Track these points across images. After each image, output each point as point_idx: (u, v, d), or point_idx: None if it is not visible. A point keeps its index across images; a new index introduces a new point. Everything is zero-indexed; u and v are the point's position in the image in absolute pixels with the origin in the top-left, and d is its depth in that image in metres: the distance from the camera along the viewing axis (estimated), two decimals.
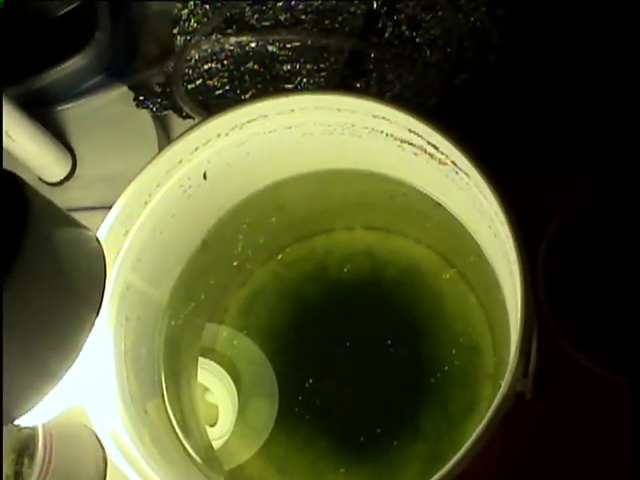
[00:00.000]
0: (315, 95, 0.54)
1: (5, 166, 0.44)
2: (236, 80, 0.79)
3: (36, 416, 0.45)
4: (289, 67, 0.78)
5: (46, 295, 0.41)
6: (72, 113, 0.84)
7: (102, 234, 0.55)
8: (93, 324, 0.43)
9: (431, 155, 0.53)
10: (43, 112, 0.82)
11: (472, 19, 0.72)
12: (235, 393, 0.67)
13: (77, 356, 0.43)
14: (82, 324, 0.43)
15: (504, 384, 0.44)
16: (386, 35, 0.76)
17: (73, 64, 0.81)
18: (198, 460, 0.61)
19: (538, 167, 0.64)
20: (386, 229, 0.67)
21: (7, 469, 0.73)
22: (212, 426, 0.67)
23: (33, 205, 0.42)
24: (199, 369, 0.68)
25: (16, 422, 0.44)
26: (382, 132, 0.55)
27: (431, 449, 0.60)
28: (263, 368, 0.67)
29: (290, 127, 0.57)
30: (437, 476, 0.43)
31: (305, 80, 0.77)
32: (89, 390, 0.52)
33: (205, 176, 0.59)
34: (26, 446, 0.73)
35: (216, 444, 0.65)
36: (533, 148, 0.66)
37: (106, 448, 0.51)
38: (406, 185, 0.59)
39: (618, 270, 0.60)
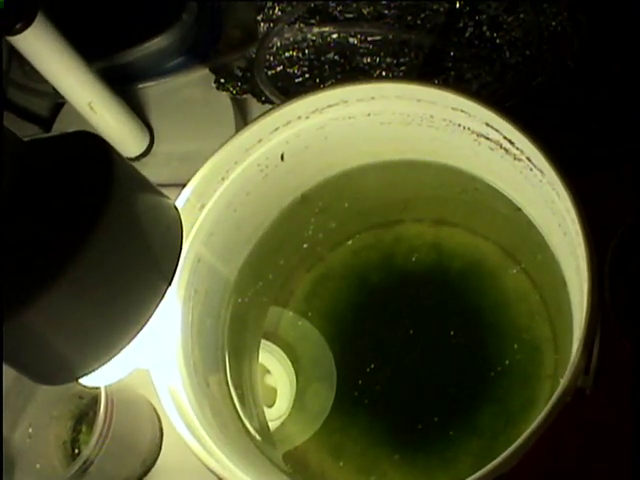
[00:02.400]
0: (396, 84, 0.55)
1: None
2: (316, 69, 0.80)
3: (100, 378, 0.46)
4: (369, 60, 0.79)
5: (123, 257, 0.42)
6: (153, 91, 0.85)
7: (179, 205, 0.56)
8: (165, 292, 0.44)
9: (506, 150, 0.53)
10: (125, 88, 0.83)
11: (553, 23, 0.73)
12: (294, 376, 0.68)
13: (146, 321, 0.44)
14: (155, 291, 0.44)
15: (565, 378, 0.45)
16: (467, 34, 0.77)
17: (157, 43, 0.82)
18: (257, 437, 0.62)
19: (609, 172, 0.65)
20: (455, 223, 0.67)
21: (65, 435, 0.75)
22: (269, 407, 0.67)
23: (117, 167, 0.43)
24: (261, 350, 0.69)
25: (81, 381, 0.46)
26: (459, 125, 0.56)
27: (486, 444, 0.60)
28: (323, 353, 0.68)
29: (369, 114, 0.58)
30: (489, 466, 0.43)
31: (384, 73, 0.78)
32: (154, 356, 0.53)
33: (283, 157, 0.60)
34: (85, 413, 0.75)
35: (272, 425, 0.66)
36: (605, 153, 0.66)
37: (167, 413, 0.52)
38: (479, 180, 0.60)
39: None
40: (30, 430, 0.71)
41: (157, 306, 0.44)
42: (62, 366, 0.43)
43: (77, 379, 0.44)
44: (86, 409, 0.76)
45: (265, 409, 0.67)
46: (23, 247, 0.40)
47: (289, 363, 0.69)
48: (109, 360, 0.43)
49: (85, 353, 0.43)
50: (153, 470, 0.73)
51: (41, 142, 0.44)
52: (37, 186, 0.41)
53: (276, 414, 0.67)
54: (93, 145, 0.44)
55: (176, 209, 0.48)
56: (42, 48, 0.68)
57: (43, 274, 0.39)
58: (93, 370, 0.44)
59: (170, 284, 0.45)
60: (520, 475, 0.46)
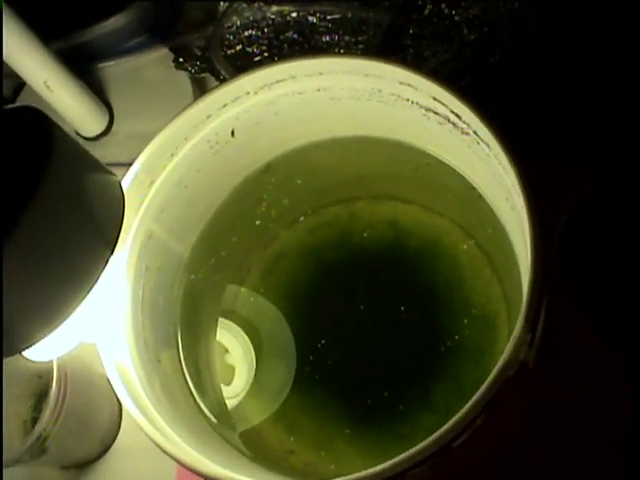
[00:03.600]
0: (343, 59, 0.55)
1: None
2: (275, 48, 0.80)
3: (45, 351, 0.46)
4: (328, 39, 0.79)
5: (64, 226, 0.42)
6: (112, 71, 0.85)
7: (127, 181, 0.56)
8: (107, 261, 0.44)
9: (454, 124, 0.53)
10: (85, 68, 0.83)
11: (511, 1, 0.73)
12: (253, 354, 0.68)
13: (89, 290, 0.44)
14: (96, 259, 0.44)
15: (507, 350, 0.45)
16: (425, 12, 0.77)
17: (116, 22, 0.82)
18: (210, 415, 0.62)
19: (564, 154, 0.65)
20: (410, 200, 0.67)
21: (25, 414, 0.75)
22: (227, 385, 0.67)
23: (58, 141, 0.43)
24: (219, 328, 0.68)
25: (25, 354, 0.46)
26: (408, 100, 0.56)
27: (440, 420, 0.60)
28: (282, 330, 0.68)
29: (319, 89, 0.58)
30: (429, 440, 0.43)
31: (343, 52, 0.77)
32: (102, 330, 0.53)
33: (233, 133, 0.60)
34: (45, 392, 0.74)
35: (230, 403, 0.66)
36: (556, 135, 0.67)
37: (113, 386, 0.52)
38: (430, 155, 0.60)
39: (632, 253, 0.60)
40: None
41: (99, 275, 0.44)
42: (6, 337, 0.43)
43: (21, 351, 0.44)
44: (46, 388, 0.76)
45: (223, 387, 0.67)
46: None
47: (247, 341, 0.69)
48: (52, 331, 0.43)
49: (28, 324, 0.43)
50: (112, 449, 0.73)
51: None
52: None
53: (233, 392, 0.67)
54: (35, 120, 0.44)
55: (119, 185, 0.48)
56: None
57: None
58: (36, 342, 0.44)
59: (112, 253, 0.45)
60: (472, 451, 0.46)
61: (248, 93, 0.57)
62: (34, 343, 0.44)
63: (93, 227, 0.44)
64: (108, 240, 0.45)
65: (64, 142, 0.44)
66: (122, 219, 0.46)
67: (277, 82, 0.57)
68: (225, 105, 0.58)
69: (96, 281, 0.44)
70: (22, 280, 0.41)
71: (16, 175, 0.41)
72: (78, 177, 0.44)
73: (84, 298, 0.44)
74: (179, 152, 0.58)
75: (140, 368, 0.55)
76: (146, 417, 0.52)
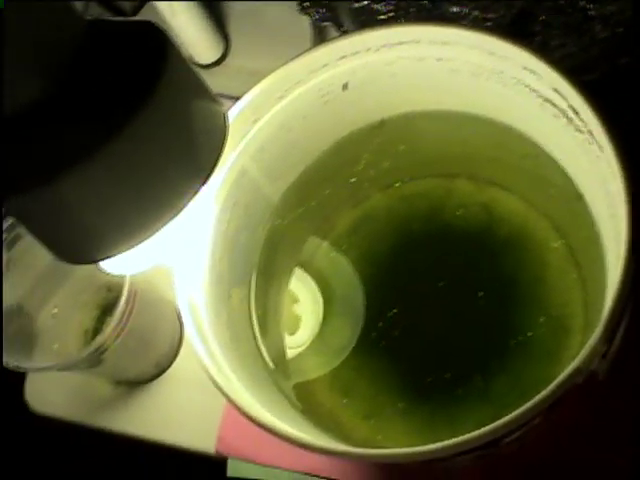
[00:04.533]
0: (470, 32, 0.54)
1: None
2: (402, 10, 0.78)
3: (122, 265, 0.46)
4: (457, 9, 0.77)
5: (163, 145, 0.42)
6: (237, 5, 0.85)
7: (232, 114, 0.56)
8: (198, 189, 0.44)
9: (570, 120, 0.52)
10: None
11: None
12: (321, 309, 0.68)
13: (176, 214, 0.44)
14: (189, 185, 0.44)
15: (580, 357, 0.44)
16: (560, 1, 0.75)
17: None
18: (268, 361, 0.62)
19: None
20: (509, 187, 0.66)
21: (88, 323, 0.76)
22: (291, 335, 0.67)
23: (172, 60, 0.43)
24: (293, 277, 0.68)
25: (102, 265, 0.46)
26: (528, 86, 0.54)
27: (493, 412, 0.60)
28: (355, 292, 0.67)
29: (440, 59, 0.57)
30: (483, 430, 0.43)
31: (470, 26, 0.76)
32: (181, 256, 0.53)
33: (346, 86, 0.59)
34: (112, 306, 0.75)
35: (290, 353, 0.66)
36: None
37: (182, 312, 0.52)
38: (539, 147, 0.59)
39: None
40: (55, 311, 0.72)
41: (189, 200, 0.44)
42: (87, 244, 0.44)
43: (100, 260, 0.45)
44: (113, 302, 0.77)
45: (286, 336, 0.67)
46: (68, 120, 0.40)
47: (319, 294, 0.69)
48: (135, 245, 0.44)
49: (113, 233, 0.43)
50: (166, 374, 0.74)
51: (103, 23, 0.44)
52: (91, 63, 0.41)
53: (296, 342, 0.67)
54: (154, 35, 0.44)
55: (225, 117, 0.48)
56: None
57: (83, 147, 0.39)
58: (115, 254, 0.44)
59: (205, 182, 0.45)
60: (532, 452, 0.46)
61: (369, 49, 0.57)
62: (113, 255, 0.44)
63: (192, 152, 0.44)
64: (204, 169, 0.45)
65: (179, 61, 0.44)
66: (222, 151, 0.46)
67: (399, 44, 0.56)
68: (344, 57, 0.57)
69: (184, 206, 0.44)
70: (113, 188, 0.41)
71: (129, 81, 0.41)
72: (187, 98, 0.44)
73: (170, 220, 0.44)
74: (289, 95, 0.58)
75: (210, 300, 0.56)
76: (206, 347, 0.52)
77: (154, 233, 0.44)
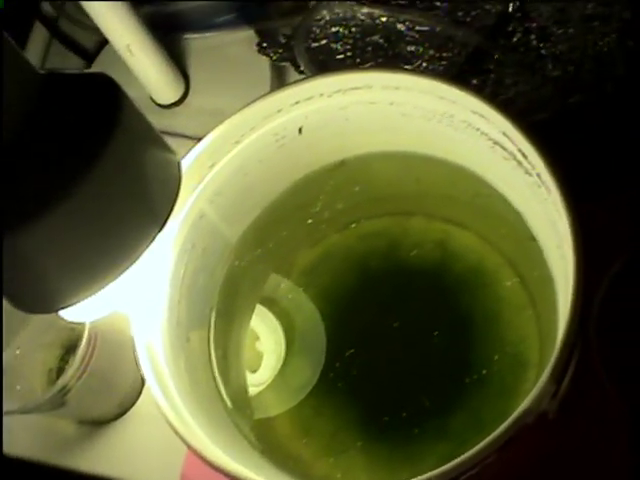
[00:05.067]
0: (421, 78, 0.55)
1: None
2: (359, 49, 0.80)
3: (80, 313, 0.47)
4: (412, 49, 0.79)
5: (119, 195, 0.43)
6: (195, 44, 0.86)
7: (189, 160, 0.56)
8: (154, 237, 0.45)
9: (519, 163, 0.53)
10: (169, 37, 0.84)
11: (600, 43, 0.72)
12: (283, 347, 0.68)
13: (133, 262, 0.44)
14: (144, 234, 0.45)
15: (529, 398, 0.45)
16: (514, 40, 0.76)
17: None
18: (227, 402, 0.62)
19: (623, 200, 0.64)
20: (464, 225, 0.67)
21: (51, 362, 0.76)
22: (252, 373, 0.68)
23: (126, 111, 0.44)
24: (254, 315, 0.69)
25: (61, 314, 0.46)
26: (478, 130, 0.55)
27: (452, 448, 0.60)
28: (316, 331, 0.68)
29: (392, 103, 0.58)
30: (439, 470, 0.44)
31: (425, 65, 0.78)
32: (138, 301, 0.53)
33: (300, 131, 0.60)
34: (75, 345, 0.75)
35: (250, 391, 0.66)
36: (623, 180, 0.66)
37: (138, 359, 0.53)
38: (491, 187, 0.60)
39: None
40: (17, 352, 0.73)
41: (145, 248, 0.45)
42: (44, 295, 0.44)
43: (57, 310, 0.45)
44: (76, 341, 0.77)
45: (247, 374, 0.67)
46: (24, 173, 0.41)
47: (281, 332, 0.69)
48: (92, 294, 0.44)
49: (70, 283, 0.44)
50: (129, 413, 0.75)
51: (57, 77, 0.44)
52: (45, 116, 0.42)
53: (257, 381, 0.67)
54: (107, 87, 0.45)
55: (178, 165, 0.49)
56: None
57: (40, 199, 0.40)
58: (74, 303, 0.44)
59: (160, 230, 0.45)
60: None
61: (322, 95, 0.58)
62: (71, 304, 0.44)
63: (146, 202, 0.45)
64: (159, 217, 0.46)
65: (133, 112, 0.45)
66: (177, 197, 0.47)
67: (352, 89, 0.57)
68: (297, 102, 0.58)
69: (142, 253, 0.45)
70: (70, 239, 0.42)
71: (81, 137, 0.42)
72: (141, 148, 0.45)
73: (127, 268, 0.44)
74: (244, 140, 0.59)
75: (168, 344, 0.56)
76: (164, 392, 0.52)
77: (112, 281, 0.44)
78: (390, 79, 0.56)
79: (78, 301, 0.44)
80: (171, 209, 0.46)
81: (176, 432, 0.50)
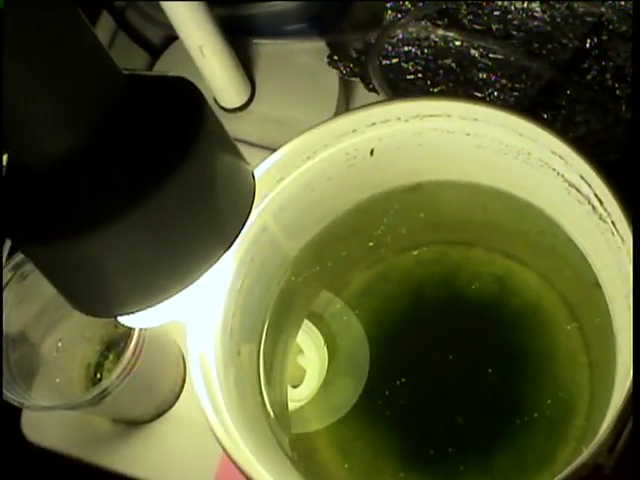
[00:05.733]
0: (502, 112, 0.54)
1: None
2: (430, 71, 0.79)
3: (139, 320, 0.46)
4: (484, 76, 0.78)
5: (193, 209, 0.42)
6: (265, 49, 0.85)
7: (259, 173, 0.56)
8: (222, 255, 0.44)
9: (594, 207, 0.52)
10: (239, 40, 0.83)
11: None
12: (326, 364, 0.68)
13: (197, 278, 0.44)
14: (213, 250, 0.44)
15: (588, 452, 0.44)
16: (588, 77, 0.75)
17: (284, 4, 0.82)
18: (270, 413, 0.62)
19: None
20: (525, 262, 0.66)
21: (91, 357, 0.76)
22: (294, 387, 0.67)
23: (208, 121, 0.43)
24: (300, 329, 0.68)
25: (119, 319, 0.46)
26: (554, 169, 0.55)
27: None
28: (361, 351, 0.67)
29: (468, 134, 0.57)
30: None
31: (496, 94, 0.77)
32: (195, 311, 0.53)
33: (372, 153, 0.59)
34: (116, 342, 0.76)
35: (291, 405, 0.66)
36: None
37: (191, 371, 0.52)
38: (559, 228, 0.59)
39: None
40: (59, 344, 0.72)
41: (212, 265, 0.44)
42: (106, 300, 0.44)
43: (117, 316, 0.45)
44: (118, 338, 0.77)
45: (289, 388, 0.67)
46: (102, 176, 0.40)
47: (325, 350, 0.68)
48: (154, 305, 0.43)
49: (132, 292, 0.43)
50: (165, 416, 0.74)
51: (140, 79, 0.44)
52: (128, 119, 0.41)
53: (298, 396, 0.67)
54: (190, 94, 0.44)
55: (253, 176, 0.48)
56: None
57: (115, 205, 0.39)
58: (135, 311, 0.44)
59: (229, 248, 0.45)
60: None
61: (399, 119, 0.57)
62: (130, 312, 0.44)
63: (222, 216, 0.44)
64: (231, 233, 0.45)
65: (214, 122, 0.44)
66: (247, 218, 0.46)
67: (430, 116, 0.57)
68: (373, 124, 0.57)
69: (208, 269, 0.44)
70: (138, 249, 0.41)
71: (163, 145, 0.41)
72: (220, 161, 0.44)
73: (190, 284, 0.44)
74: (315, 157, 0.58)
75: (220, 356, 0.55)
76: (214, 406, 0.52)
77: (175, 294, 0.43)
78: (470, 110, 0.55)
79: (138, 309, 0.44)
80: (241, 228, 0.45)
81: (221, 443, 0.50)
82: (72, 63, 0.39)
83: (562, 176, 0.54)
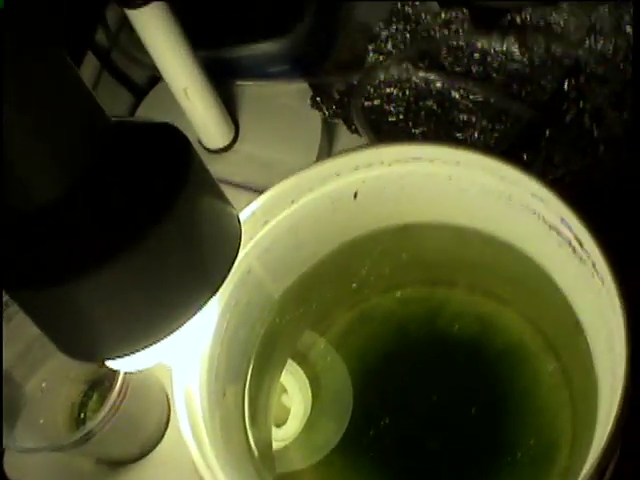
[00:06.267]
0: (484, 156, 0.55)
1: (169, 121, 0.46)
2: (412, 113, 0.80)
3: (124, 364, 0.46)
4: (465, 117, 0.79)
5: (180, 255, 0.42)
6: (248, 91, 0.86)
7: (244, 216, 0.56)
8: (208, 300, 0.45)
9: (574, 250, 0.53)
10: (222, 82, 0.84)
11: None
12: (310, 405, 0.68)
13: (184, 323, 0.44)
14: (199, 296, 0.44)
15: None
16: (567, 118, 0.76)
17: (268, 47, 0.83)
18: (255, 453, 0.62)
19: None
20: (507, 302, 0.66)
21: (75, 397, 0.75)
22: (278, 427, 0.68)
23: (195, 168, 0.44)
24: (284, 369, 0.69)
25: (106, 362, 0.46)
26: (535, 212, 0.55)
27: None
28: (345, 392, 0.67)
29: (450, 178, 0.58)
30: None
31: (477, 135, 0.78)
32: (180, 354, 0.53)
33: (356, 196, 0.60)
34: (100, 381, 0.75)
35: (275, 445, 0.66)
36: None
37: (177, 412, 0.53)
38: (541, 270, 0.59)
39: None
40: (43, 385, 0.72)
41: (199, 310, 0.44)
42: (93, 344, 0.44)
43: (103, 360, 0.45)
44: (102, 377, 0.77)
45: (273, 428, 0.67)
46: (87, 224, 0.40)
47: (309, 389, 0.69)
48: (140, 350, 0.44)
49: (119, 337, 0.43)
50: (149, 456, 0.74)
51: (126, 126, 0.44)
52: (114, 166, 0.41)
53: (282, 436, 0.67)
54: (176, 140, 0.45)
55: (239, 222, 0.48)
56: (154, 26, 0.69)
57: (101, 252, 0.39)
58: (122, 355, 0.44)
59: (214, 294, 0.45)
60: None
61: (382, 163, 0.58)
62: (117, 357, 0.44)
63: (209, 261, 0.44)
64: (218, 278, 0.45)
65: (201, 168, 0.45)
66: (233, 262, 0.46)
67: (413, 159, 0.57)
68: (357, 168, 0.58)
69: (193, 315, 0.44)
70: (125, 296, 0.41)
71: (150, 192, 0.41)
72: (206, 208, 0.44)
73: (177, 329, 0.44)
74: (300, 200, 0.59)
75: (206, 398, 0.56)
76: (198, 446, 0.52)
77: (161, 340, 0.44)
78: (452, 154, 0.56)
79: (125, 355, 0.44)
80: (228, 273, 0.46)
81: None
82: (59, 110, 0.39)
83: (542, 218, 0.55)
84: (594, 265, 0.51)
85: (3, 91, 0.36)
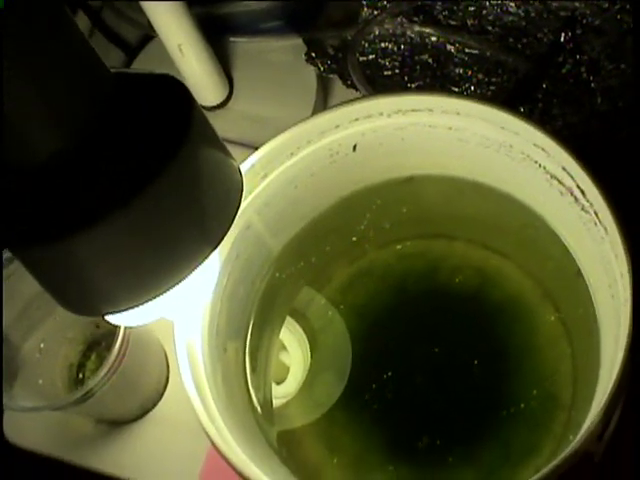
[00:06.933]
0: (485, 106, 0.54)
1: None
2: (407, 67, 0.80)
3: (126, 319, 0.46)
4: (461, 71, 0.78)
5: (182, 207, 0.42)
6: (242, 48, 0.86)
7: (243, 169, 0.56)
8: (210, 254, 0.44)
9: (576, 199, 0.53)
10: (216, 39, 0.83)
11: None
12: (309, 361, 0.68)
13: (185, 277, 0.44)
14: (201, 249, 0.44)
15: (577, 440, 0.44)
16: (563, 70, 0.76)
17: (260, 2, 0.82)
18: (258, 409, 0.62)
19: None
20: (506, 254, 0.66)
21: (73, 357, 0.75)
22: (278, 384, 0.67)
23: (196, 118, 0.43)
24: (283, 326, 0.68)
25: (106, 318, 0.46)
26: (536, 162, 0.55)
27: (481, 477, 0.60)
28: (344, 346, 0.67)
29: (450, 128, 0.57)
30: None
31: (473, 89, 0.77)
32: (181, 310, 0.53)
33: (355, 148, 0.60)
34: (98, 342, 0.75)
35: (276, 402, 0.66)
36: None
37: (180, 366, 0.52)
38: (541, 220, 0.59)
39: None
40: (42, 345, 0.72)
41: (199, 264, 0.44)
42: (95, 299, 0.44)
43: (105, 314, 0.45)
44: (100, 338, 0.77)
45: (273, 385, 0.67)
46: (90, 177, 0.40)
47: (308, 346, 0.69)
48: (142, 304, 0.43)
49: (121, 290, 0.43)
50: (149, 415, 0.74)
51: (127, 77, 0.44)
52: (117, 119, 0.41)
53: (283, 392, 0.67)
54: (177, 91, 0.44)
55: (240, 174, 0.48)
56: None
57: (103, 206, 0.39)
58: (122, 310, 0.44)
59: (215, 248, 0.45)
60: None
61: (381, 114, 0.57)
62: (119, 311, 0.44)
63: (207, 217, 0.44)
64: (219, 231, 0.45)
65: (202, 119, 0.44)
66: (234, 216, 0.46)
67: (413, 111, 0.57)
68: (356, 119, 0.58)
69: (194, 269, 0.44)
70: (127, 249, 0.41)
71: (153, 142, 0.41)
72: (207, 158, 0.44)
73: (177, 283, 0.44)
74: (299, 153, 0.58)
75: (207, 353, 0.55)
76: (202, 401, 0.52)
77: (162, 293, 0.43)
78: (452, 104, 0.56)
79: (127, 309, 0.44)
80: (229, 226, 0.45)
81: (216, 446, 0.50)
82: (61, 64, 0.39)
83: (544, 168, 0.55)
84: (597, 214, 0.51)
85: (2, 42, 0.36)
